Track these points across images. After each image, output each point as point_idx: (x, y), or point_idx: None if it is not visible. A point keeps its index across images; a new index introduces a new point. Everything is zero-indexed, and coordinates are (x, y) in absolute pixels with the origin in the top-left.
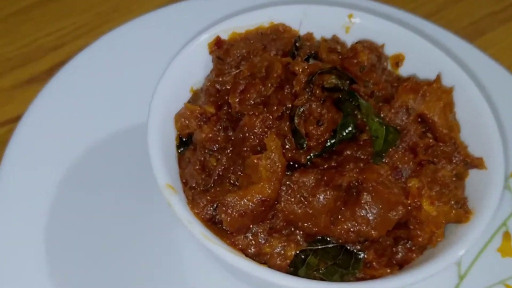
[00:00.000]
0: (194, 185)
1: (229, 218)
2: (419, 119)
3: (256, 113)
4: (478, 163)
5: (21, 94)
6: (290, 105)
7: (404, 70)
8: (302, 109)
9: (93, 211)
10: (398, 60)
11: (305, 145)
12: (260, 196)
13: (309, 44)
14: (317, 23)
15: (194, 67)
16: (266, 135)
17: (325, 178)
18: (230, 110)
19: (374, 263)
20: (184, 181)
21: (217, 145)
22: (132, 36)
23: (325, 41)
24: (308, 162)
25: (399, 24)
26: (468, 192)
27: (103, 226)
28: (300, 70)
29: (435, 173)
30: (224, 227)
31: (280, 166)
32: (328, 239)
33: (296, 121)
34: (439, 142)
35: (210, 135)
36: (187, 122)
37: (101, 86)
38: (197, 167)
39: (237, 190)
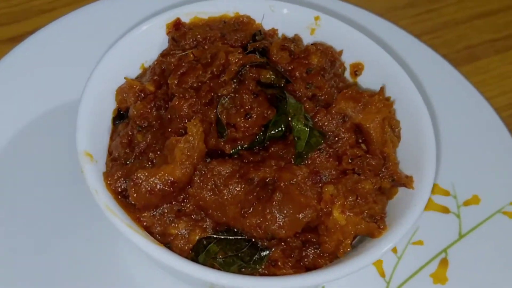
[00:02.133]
0: (116, 156)
1: (135, 194)
2: (356, 129)
3: (186, 96)
4: (406, 182)
5: None
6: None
7: (362, 80)
8: (226, 98)
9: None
10: (357, 69)
11: (225, 135)
12: (170, 177)
13: (270, 40)
14: (282, 20)
15: (148, 45)
16: (191, 119)
17: (242, 171)
18: (168, 91)
19: (279, 262)
20: (109, 152)
21: (147, 123)
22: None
23: (280, 38)
24: (234, 154)
25: (371, 34)
26: (391, 209)
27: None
28: (234, 60)
29: (356, 184)
30: (129, 201)
31: (197, 151)
32: (236, 231)
33: (219, 109)
34: (370, 154)
35: (142, 112)
36: (125, 96)
37: (56, 62)
38: (124, 141)
39: (150, 168)
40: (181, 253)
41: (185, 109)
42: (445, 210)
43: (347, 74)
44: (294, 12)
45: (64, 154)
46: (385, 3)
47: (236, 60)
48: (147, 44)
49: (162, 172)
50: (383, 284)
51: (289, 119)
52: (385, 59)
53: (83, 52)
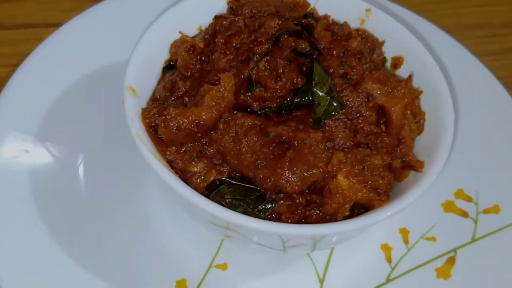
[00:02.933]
0: (157, 97)
1: (164, 128)
2: (380, 111)
3: (227, 53)
4: (416, 165)
5: None
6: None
7: (400, 74)
8: (258, 56)
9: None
10: (397, 62)
11: (252, 90)
12: (196, 118)
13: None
14: (335, 7)
15: (208, 12)
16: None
17: (263, 125)
18: (214, 48)
19: (283, 216)
20: (153, 94)
21: (189, 73)
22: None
23: (325, 18)
24: (262, 113)
25: (414, 31)
26: (398, 189)
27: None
28: (273, 24)
29: (366, 156)
30: (159, 135)
31: (226, 101)
32: (249, 180)
33: (250, 66)
34: (387, 134)
35: (187, 62)
36: (177, 49)
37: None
38: (167, 86)
39: (182, 108)
40: (196, 189)
41: (222, 63)
42: (464, 214)
43: (387, 66)
44: (347, 1)
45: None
46: (453, 20)
47: (274, 24)
48: (207, 11)
49: (191, 113)
50: (387, 269)
51: (313, 84)
52: (425, 58)
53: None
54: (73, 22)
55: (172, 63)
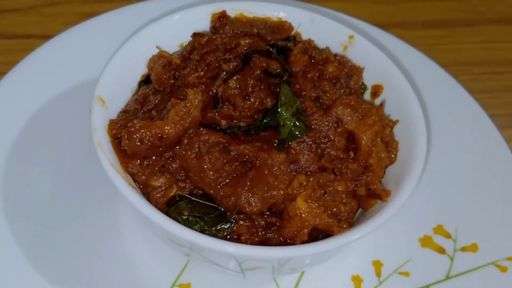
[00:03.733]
0: (127, 109)
1: (127, 140)
2: (350, 137)
3: (198, 69)
4: (381, 194)
5: None
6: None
7: (379, 102)
8: (225, 74)
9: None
10: (376, 90)
11: (218, 107)
12: (160, 132)
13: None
14: (319, 32)
15: (192, 30)
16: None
17: (226, 144)
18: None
19: (242, 237)
20: (125, 106)
21: (162, 87)
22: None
23: (306, 42)
24: (230, 132)
25: (394, 58)
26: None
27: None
28: (242, 42)
29: (329, 182)
30: (123, 147)
31: (191, 116)
32: (210, 198)
33: (217, 82)
34: (353, 160)
35: (160, 77)
36: (154, 64)
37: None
38: (139, 99)
39: (147, 121)
40: (156, 204)
41: (192, 79)
42: (441, 250)
43: (367, 94)
44: (331, 27)
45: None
46: (453, 56)
47: (245, 43)
48: (190, 28)
49: (154, 126)
50: None
51: (278, 106)
52: (403, 86)
53: None
54: (63, 36)
55: (149, 77)
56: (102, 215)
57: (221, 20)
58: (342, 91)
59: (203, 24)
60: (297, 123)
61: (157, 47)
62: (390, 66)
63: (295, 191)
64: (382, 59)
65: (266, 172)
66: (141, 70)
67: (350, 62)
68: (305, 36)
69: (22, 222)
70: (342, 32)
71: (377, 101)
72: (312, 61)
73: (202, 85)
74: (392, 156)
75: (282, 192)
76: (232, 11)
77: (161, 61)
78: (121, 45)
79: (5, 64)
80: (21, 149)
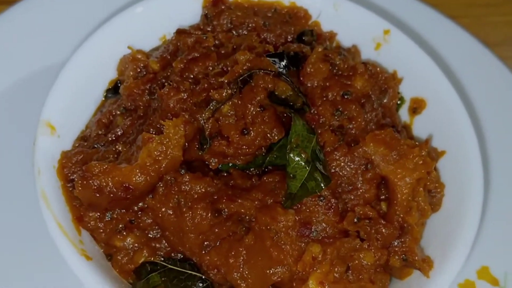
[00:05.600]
0: (88, 135)
1: (81, 188)
2: (382, 182)
3: (180, 88)
4: (421, 266)
5: None
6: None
7: (420, 120)
8: (215, 104)
9: None
10: (417, 106)
11: (205, 148)
12: (125, 181)
13: (324, 45)
14: (346, 24)
15: (177, 15)
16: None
17: (215, 196)
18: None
19: None
20: (85, 128)
21: (133, 105)
22: None
23: (326, 49)
24: (222, 170)
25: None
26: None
27: None
28: (241, 58)
29: (353, 251)
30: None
31: (169, 158)
32: (193, 263)
33: (205, 115)
34: (385, 219)
35: (133, 91)
36: (125, 68)
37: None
38: (104, 120)
39: (108, 162)
40: (121, 272)
41: (172, 103)
42: None
43: (405, 108)
44: (361, 17)
45: None
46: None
47: (244, 60)
48: (175, 15)
49: (118, 172)
50: None
51: (287, 149)
52: (454, 106)
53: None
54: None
55: (119, 84)
56: None
57: (215, 5)
58: (373, 114)
59: (194, 9)
60: (315, 175)
61: (129, 47)
62: (436, 75)
63: (306, 268)
64: (426, 64)
65: (268, 242)
66: (109, 73)
67: (385, 71)
68: (326, 27)
69: None
70: (375, 24)
71: (417, 120)
72: (335, 71)
73: (185, 113)
74: (436, 202)
75: (288, 268)
76: None
77: (134, 66)
78: (84, 39)
79: None
80: None
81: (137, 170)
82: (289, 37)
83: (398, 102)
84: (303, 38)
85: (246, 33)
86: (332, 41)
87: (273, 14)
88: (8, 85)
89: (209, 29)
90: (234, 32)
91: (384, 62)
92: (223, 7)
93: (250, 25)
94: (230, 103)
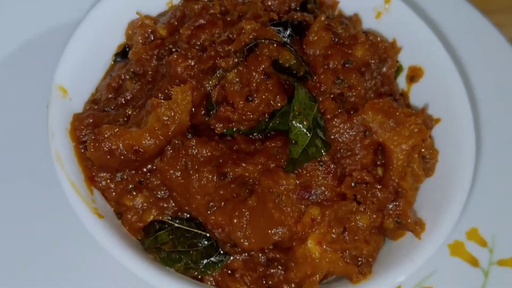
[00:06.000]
0: (98, 98)
1: (93, 150)
2: (378, 148)
3: (187, 55)
4: (413, 228)
5: None
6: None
7: (417, 89)
8: (222, 72)
9: None
10: (414, 74)
11: (211, 113)
12: (135, 144)
13: (326, 13)
14: None
15: None
16: (182, 84)
17: (221, 160)
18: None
19: (236, 273)
20: (95, 91)
21: (142, 70)
22: None
23: (328, 17)
24: (227, 135)
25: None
26: (389, 251)
27: None
28: (247, 28)
29: (350, 214)
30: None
31: (177, 123)
32: (199, 223)
33: (212, 82)
34: (381, 183)
35: (141, 56)
36: (133, 32)
37: None
38: (113, 84)
39: (119, 126)
40: (130, 229)
41: (179, 69)
42: (474, 262)
43: (402, 76)
44: None
45: None
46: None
47: (249, 30)
48: None
49: (128, 136)
50: None
51: (290, 116)
52: (450, 75)
53: None
54: None
55: (127, 49)
56: None
57: None
58: (372, 83)
59: None
60: (315, 141)
61: (137, 13)
62: (435, 45)
63: (306, 229)
64: (425, 33)
65: (270, 204)
66: (118, 37)
67: (385, 41)
68: None
69: None
70: None
71: (414, 88)
72: (336, 39)
73: (192, 79)
74: (429, 168)
75: (289, 228)
76: None
77: (142, 31)
78: (91, 6)
79: None
80: None
81: (147, 134)
82: (292, 4)
83: (397, 70)
84: (307, 5)
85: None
86: (334, 9)
87: None
88: (16, 46)
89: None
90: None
91: (384, 31)
92: None
93: None
94: (236, 70)
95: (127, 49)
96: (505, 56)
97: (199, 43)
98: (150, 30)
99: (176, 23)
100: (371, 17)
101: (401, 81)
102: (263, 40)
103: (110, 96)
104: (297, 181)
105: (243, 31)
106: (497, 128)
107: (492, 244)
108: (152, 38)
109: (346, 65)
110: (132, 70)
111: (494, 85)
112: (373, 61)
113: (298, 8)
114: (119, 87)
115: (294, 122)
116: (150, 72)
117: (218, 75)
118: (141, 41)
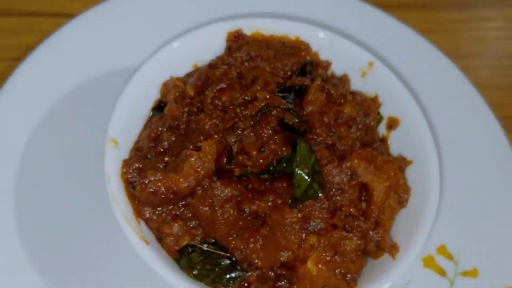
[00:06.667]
0: (141, 146)
1: (141, 191)
2: (362, 187)
3: (213, 115)
4: (390, 251)
5: None
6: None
7: (394, 135)
8: (242, 131)
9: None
10: (393, 124)
11: (232, 162)
12: (174, 186)
13: (320, 72)
14: (338, 55)
15: (206, 48)
16: (209, 138)
17: (239, 198)
18: (204, 99)
19: (252, 286)
20: (137, 141)
21: (176, 123)
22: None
23: (322, 80)
24: (243, 175)
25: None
26: (372, 268)
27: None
28: (261, 98)
29: (340, 240)
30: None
31: (205, 169)
32: (222, 246)
33: (232, 139)
34: (364, 216)
35: (175, 113)
36: (167, 91)
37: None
38: (152, 135)
39: (161, 171)
40: (168, 251)
41: (208, 126)
42: (442, 272)
43: (383, 125)
44: (351, 51)
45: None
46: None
47: (262, 97)
48: (205, 47)
49: (168, 180)
50: None
51: (294, 165)
52: (420, 126)
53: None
54: (83, 17)
55: (162, 104)
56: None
57: (236, 39)
58: (358, 134)
59: (219, 42)
60: (313, 185)
61: (171, 77)
62: (408, 102)
63: (306, 253)
64: (400, 91)
65: (278, 234)
66: (154, 95)
67: (367, 100)
68: (323, 57)
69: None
70: (362, 57)
71: (392, 134)
72: (329, 99)
73: (217, 134)
74: (403, 201)
75: (293, 252)
76: (248, 29)
77: (175, 91)
78: (132, 74)
79: (13, 48)
80: (35, 147)
81: (182, 179)
82: (294, 67)
83: (378, 120)
84: (306, 68)
85: (260, 61)
86: (327, 69)
87: (282, 47)
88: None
89: (231, 59)
90: (251, 63)
91: (368, 87)
92: (242, 41)
93: (264, 57)
94: (251, 128)
95: (162, 104)
96: (465, 97)
97: (220, 104)
98: (180, 90)
99: (201, 85)
100: (357, 76)
101: (382, 129)
102: (272, 108)
103: (151, 145)
104: (299, 215)
105: (257, 98)
106: (458, 167)
107: (457, 257)
108: (182, 97)
109: (337, 120)
110: (168, 124)
111: (457, 128)
112: (358, 116)
113: (298, 71)
114: (157, 137)
115: (296, 170)
116: (182, 126)
117: (239, 133)
118: (174, 99)
